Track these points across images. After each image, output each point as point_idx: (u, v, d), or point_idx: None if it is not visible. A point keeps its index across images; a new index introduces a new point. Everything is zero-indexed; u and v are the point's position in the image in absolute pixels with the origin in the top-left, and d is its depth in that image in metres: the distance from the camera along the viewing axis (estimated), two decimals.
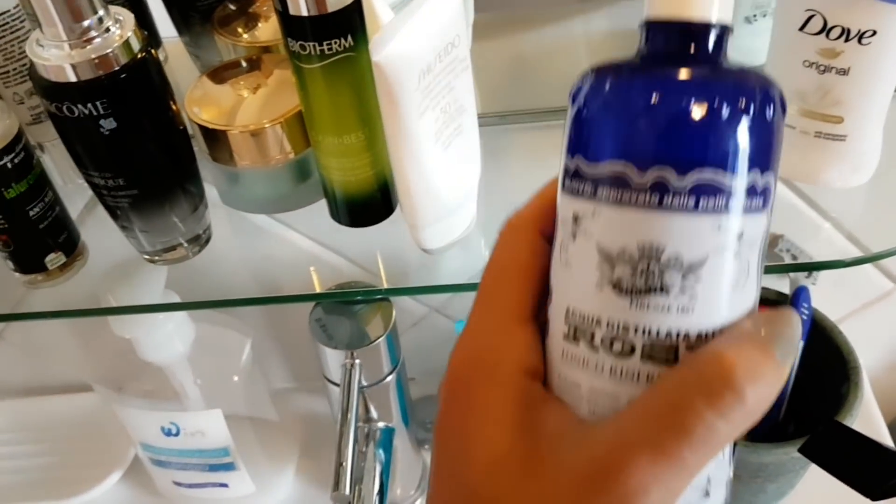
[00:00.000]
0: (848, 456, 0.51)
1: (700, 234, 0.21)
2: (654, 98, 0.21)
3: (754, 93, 0.21)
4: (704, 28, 0.22)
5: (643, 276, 0.22)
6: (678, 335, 0.22)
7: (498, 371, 0.23)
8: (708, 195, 0.21)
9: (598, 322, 0.22)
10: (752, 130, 0.21)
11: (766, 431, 0.58)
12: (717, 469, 0.23)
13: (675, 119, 0.21)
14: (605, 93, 0.22)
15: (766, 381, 0.20)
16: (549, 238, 0.25)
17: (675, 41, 0.22)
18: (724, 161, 0.21)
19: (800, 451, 0.52)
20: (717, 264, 0.21)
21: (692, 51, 0.22)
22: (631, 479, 0.20)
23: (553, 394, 0.24)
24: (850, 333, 0.59)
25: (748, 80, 0.22)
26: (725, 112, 0.21)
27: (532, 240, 0.25)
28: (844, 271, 0.61)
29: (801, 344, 0.23)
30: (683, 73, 0.22)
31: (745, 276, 0.22)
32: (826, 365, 0.58)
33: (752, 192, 0.22)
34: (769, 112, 0.22)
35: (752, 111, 0.21)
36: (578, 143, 0.23)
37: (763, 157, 0.22)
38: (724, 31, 0.22)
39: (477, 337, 0.24)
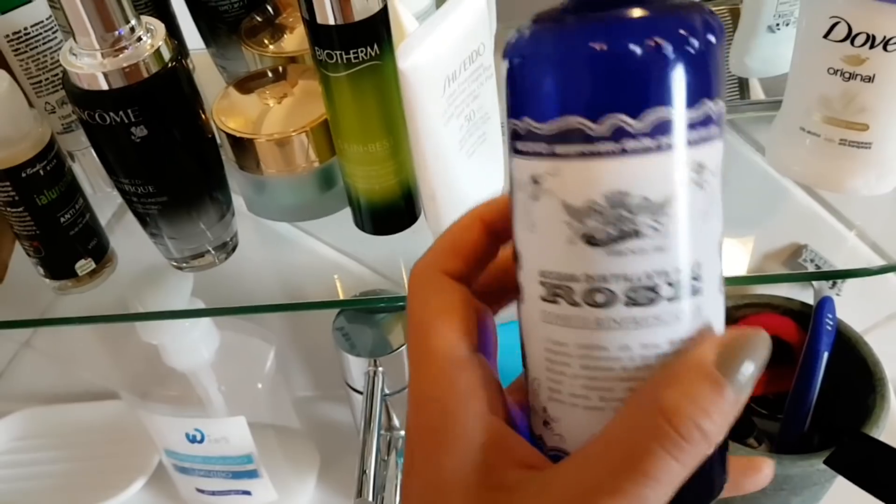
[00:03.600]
0: (874, 467, 0.50)
1: (663, 172, 0.21)
2: (594, 45, 0.21)
3: (693, 23, 0.21)
4: None
5: (615, 224, 0.22)
6: (656, 274, 0.22)
7: (451, 435, 0.23)
8: (665, 133, 0.21)
9: (575, 278, 0.22)
10: (698, 61, 0.21)
11: (792, 443, 0.58)
12: None
13: (619, 63, 0.21)
14: (543, 48, 0.22)
15: (718, 416, 0.21)
16: (455, 276, 0.25)
17: None
18: (674, 97, 0.21)
19: (825, 462, 0.52)
20: (684, 199, 0.22)
21: None
22: None
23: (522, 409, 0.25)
24: (876, 344, 0.58)
25: (682, 10, 0.22)
26: (668, 48, 0.21)
27: (439, 283, 0.25)
28: (869, 282, 0.61)
29: (761, 357, 0.23)
30: (618, 15, 0.21)
31: (711, 205, 0.22)
32: (852, 376, 0.58)
33: (705, 121, 0.22)
34: (710, 39, 0.21)
35: (694, 42, 0.21)
36: (524, 104, 0.23)
37: (710, 85, 0.22)
38: None
39: (425, 397, 0.24)
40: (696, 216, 0.22)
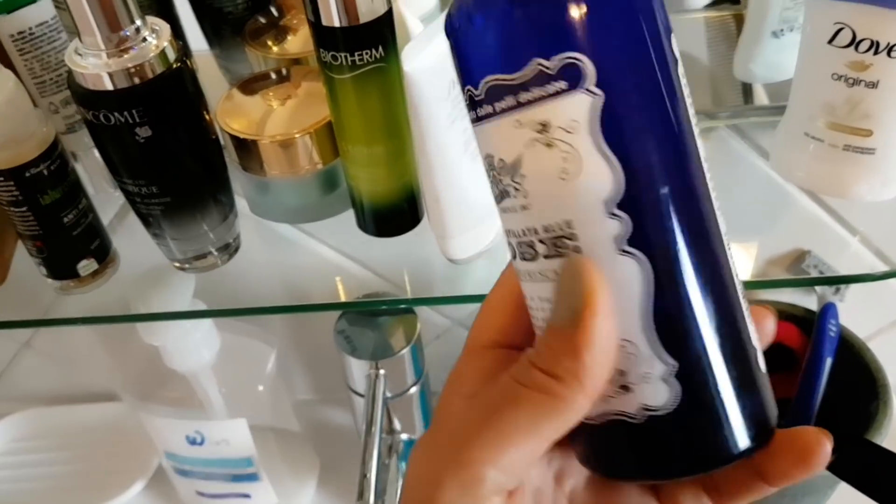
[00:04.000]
0: (877, 474, 0.50)
1: (505, 135, 0.23)
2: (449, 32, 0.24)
3: None
4: None
5: (493, 183, 0.24)
6: (527, 232, 0.23)
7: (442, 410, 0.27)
8: (496, 98, 0.23)
9: (504, 230, 0.25)
10: (502, 27, 0.22)
11: None
12: (635, 365, 0.23)
13: (458, 42, 0.24)
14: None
15: (567, 360, 0.22)
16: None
17: None
18: (494, 63, 0.23)
19: (828, 468, 0.51)
20: (531, 159, 0.23)
21: None
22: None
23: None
24: (879, 351, 0.58)
25: None
26: (468, 23, 0.23)
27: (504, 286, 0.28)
28: (873, 288, 0.61)
29: (600, 288, 0.23)
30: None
31: (573, 163, 0.22)
32: (854, 383, 0.58)
33: (539, 80, 0.22)
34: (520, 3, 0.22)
35: (491, 11, 0.22)
36: None
37: (548, 41, 0.22)
38: None
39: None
40: (552, 175, 0.22)
